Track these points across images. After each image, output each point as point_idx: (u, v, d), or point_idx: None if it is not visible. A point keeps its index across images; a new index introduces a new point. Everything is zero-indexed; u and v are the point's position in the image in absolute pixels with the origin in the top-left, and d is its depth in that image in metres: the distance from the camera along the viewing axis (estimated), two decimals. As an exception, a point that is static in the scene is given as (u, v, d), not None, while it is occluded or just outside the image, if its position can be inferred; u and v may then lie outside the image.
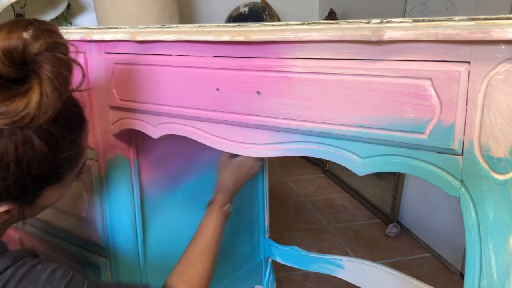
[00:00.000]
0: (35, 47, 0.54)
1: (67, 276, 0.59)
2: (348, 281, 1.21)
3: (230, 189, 0.92)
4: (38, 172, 0.58)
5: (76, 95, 0.64)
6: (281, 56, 0.63)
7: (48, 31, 0.56)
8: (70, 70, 0.58)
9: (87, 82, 0.88)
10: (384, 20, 0.55)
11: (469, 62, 0.49)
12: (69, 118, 0.61)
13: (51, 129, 0.57)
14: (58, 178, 0.62)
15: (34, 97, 0.54)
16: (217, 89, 0.71)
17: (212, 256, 0.83)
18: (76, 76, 0.60)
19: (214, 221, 0.86)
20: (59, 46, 0.57)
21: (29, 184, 0.58)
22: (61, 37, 0.58)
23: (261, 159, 0.98)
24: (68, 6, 2.38)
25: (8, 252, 0.60)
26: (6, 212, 0.59)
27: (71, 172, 0.64)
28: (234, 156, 0.93)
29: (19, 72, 0.54)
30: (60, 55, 0.56)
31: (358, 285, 1.20)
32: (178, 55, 0.74)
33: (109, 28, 0.83)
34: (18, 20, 0.56)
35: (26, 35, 0.54)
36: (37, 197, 0.62)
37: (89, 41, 0.85)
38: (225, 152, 0.89)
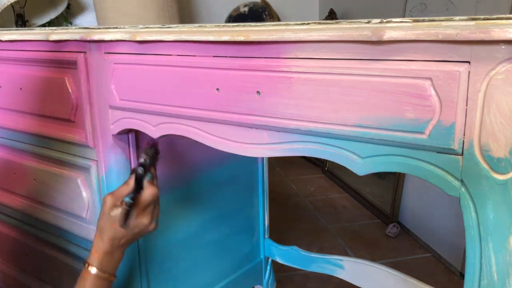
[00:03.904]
0: None
1: None
2: (348, 281, 1.21)
3: (110, 253, 0.75)
4: None
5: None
6: (281, 56, 0.63)
7: None
8: None
9: (87, 82, 0.88)
10: (384, 20, 0.55)
11: (469, 62, 0.48)
12: None
13: None
14: None
15: None
16: (217, 89, 0.71)
17: None
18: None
19: None
20: None
21: None
22: None
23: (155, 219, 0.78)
24: (68, 6, 2.38)
25: None
26: None
27: None
28: (117, 207, 0.75)
29: None
30: None
31: (358, 285, 1.20)
32: (178, 55, 0.74)
33: (109, 28, 0.83)
34: None
35: None
36: None
37: (89, 41, 0.85)
38: (108, 196, 0.76)
